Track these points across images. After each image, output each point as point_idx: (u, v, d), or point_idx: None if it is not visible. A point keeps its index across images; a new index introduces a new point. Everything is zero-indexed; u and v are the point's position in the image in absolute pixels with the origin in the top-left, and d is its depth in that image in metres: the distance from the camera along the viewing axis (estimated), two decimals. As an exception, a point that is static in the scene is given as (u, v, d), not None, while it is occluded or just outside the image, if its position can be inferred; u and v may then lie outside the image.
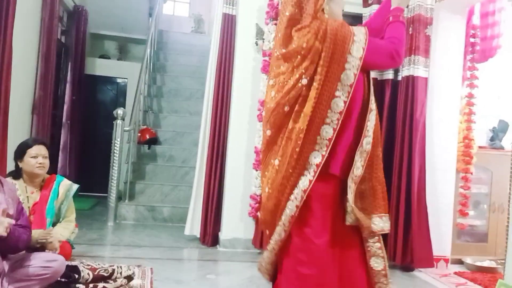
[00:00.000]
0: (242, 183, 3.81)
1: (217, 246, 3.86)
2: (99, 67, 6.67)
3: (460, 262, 3.72)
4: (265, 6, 3.77)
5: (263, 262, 1.95)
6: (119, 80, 6.78)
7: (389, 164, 3.60)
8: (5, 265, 2.16)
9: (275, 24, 3.72)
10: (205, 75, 4.15)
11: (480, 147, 3.90)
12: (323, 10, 1.81)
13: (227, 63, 3.92)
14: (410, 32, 3.54)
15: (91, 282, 2.46)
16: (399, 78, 3.65)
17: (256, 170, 3.72)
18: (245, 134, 3.85)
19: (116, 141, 4.63)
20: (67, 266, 2.38)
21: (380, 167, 1.82)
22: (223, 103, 3.92)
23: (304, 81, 1.73)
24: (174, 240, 4.07)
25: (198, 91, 6.23)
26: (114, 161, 4.63)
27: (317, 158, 1.72)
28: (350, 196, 1.74)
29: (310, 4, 1.78)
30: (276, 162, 1.79)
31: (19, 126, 4.13)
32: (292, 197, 1.76)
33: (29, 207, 2.66)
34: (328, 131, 1.72)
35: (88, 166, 6.17)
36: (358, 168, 1.75)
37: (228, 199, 3.84)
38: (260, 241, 3.66)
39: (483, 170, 3.90)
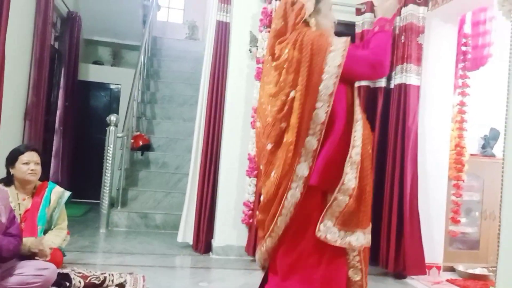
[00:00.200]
0: (236, 190, 3.81)
1: (210, 253, 3.85)
2: (93, 73, 6.66)
3: (452, 269, 3.73)
4: (259, 13, 3.79)
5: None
6: (112, 86, 6.77)
7: (382, 172, 3.62)
8: (-5, 274, 2.14)
9: (269, 32, 3.73)
10: (199, 81, 4.15)
11: (471, 154, 3.93)
12: (305, 22, 1.82)
13: (221, 70, 3.93)
14: (402, 41, 3.58)
15: (83, 289, 2.44)
16: (392, 86, 3.68)
17: (250, 177, 3.72)
18: (239, 141, 3.85)
19: (109, 148, 4.61)
20: (59, 274, 2.37)
21: (369, 180, 1.78)
22: (216, 110, 3.92)
23: (293, 93, 1.75)
24: (166, 247, 4.05)
25: (191, 98, 6.23)
26: (107, 167, 4.61)
27: (304, 170, 1.73)
28: (330, 210, 1.73)
29: (291, 17, 1.81)
30: (273, 174, 1.81)
31: (11, 132, 4.11)
32: (284, 211, 1.78)
33: (20, 214, 2.63)
34: (312, 143, 1.72)
35: (81, 172, 6.13)
36: (350, 180, 1.71)
37: (221, 206, 3.83)
38: (253, 248, 3.64)
39: (474, 177, 3.93)
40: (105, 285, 2.55)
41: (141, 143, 5.62)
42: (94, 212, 5.16)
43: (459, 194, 3.74)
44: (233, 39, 3.93)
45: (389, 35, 1.81)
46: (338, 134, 1.76)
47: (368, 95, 3.75)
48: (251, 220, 3.69)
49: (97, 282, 2.53)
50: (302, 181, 1.73)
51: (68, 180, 5.76)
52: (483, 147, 4.19)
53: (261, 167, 1.91)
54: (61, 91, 5.79)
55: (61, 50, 5.88)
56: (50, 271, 2.28)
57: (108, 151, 4.61)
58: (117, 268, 3.09)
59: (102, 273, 2.62)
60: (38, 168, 2.73)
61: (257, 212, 2.04)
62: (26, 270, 2.22)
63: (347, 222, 1.72)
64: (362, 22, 3.85)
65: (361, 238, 1.74)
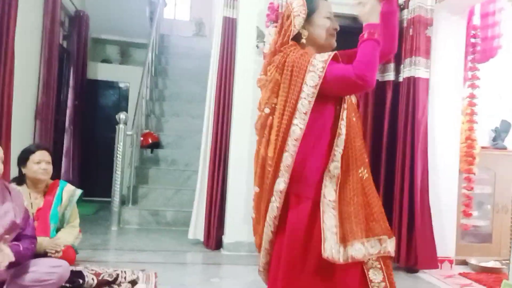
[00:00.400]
0: (245, 185, 3.81)
1: (221, 249, 3.87)
2: (101, 71, 6.69)
3: (464, 263, 3.71)
4: (266, 9, 3.77)
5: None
6: (121, 85, 6.80)
7: (392, 165, 3.60)
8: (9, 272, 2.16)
9: (276, 27, 3.72)
10: (207, 78, 4.16)
11: (482, 147, 3.90)
12: (297, 35, 1.85)
13: (228, 66, 3.93)
14: (411, 33, 3.55)
15: (96, 287, 2.48)
16: (400, 79, 3.65)
17: (259, 173, 3.72)
18: (247, 136, 3.85)
19: (118, 146, 4.64)
20: (72, 271, 2.39)
21: (359, 191, 1.74)
22: (224, 106, 3.93)
23: (267, 110, 1.81)
24: (177, 244, 4.07)
25: (199, 95, 6.22)
26: (117, 165, 4.65)
27: (280, 185, 1.76)
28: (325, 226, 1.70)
29: (282, 34, 1.85)
30: (256, 189, 1.87)
31: (23, 131, 4.16)
32: (266, 223, 1.82)
33: (33, 213, 2.66)
34: (287, 158, 1.75)
35: (91, 170, 6.19)
36: (329, 193, 1.72)
37: (231, 202, 3.84)
38: (263, 244, 3.66)
39: (486, 170, 3.89)
40: (117, 282, 2.57)
41: (150, 141, 5.65)
42: (105, 210, 5.20)
43: (471, 187, 3.71)
44: (240, 35, 3.92)
45: (376, 44, 1.73)
46: (306, 148, 1.77)
47: (376, 89, 3.72)
48: (261, 216, 3.70)
49: (109, 279, 2.55)
50: (278, 195, 1.77)
51: (79, 178, 5.81)
52: (494, 139, 4.15)
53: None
54: (70, 90, 5.84)
55: (70, 49, 5.92)
56: (63, 268, 2.30)
57: (118, 149, 4.64)
58: (129, 265, 3.12)
59: (115, 270, 2.64)
60: (50, 167, 2.76)
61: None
62: (39, 267, 2.24)
63: (359, 235, 1.71)
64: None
65: (361, 249, 1.70)
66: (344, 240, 1.69)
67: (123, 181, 4.73)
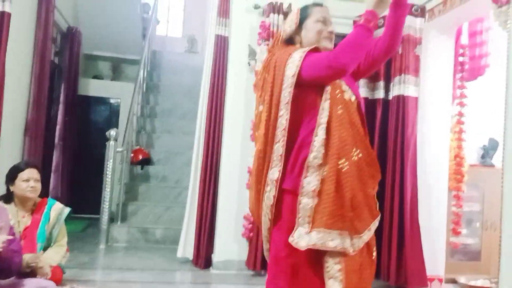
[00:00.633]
0: (236, 203, 3.80)
1: (210, 268, 3.83)
2: (93, 87, 6.68)
3: (454, 281, 3.70)
4: (257, 27, 3.81)
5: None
6: (112, 101, 6.79)
7: (382, 183, 3.58)
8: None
9: (267, 45, 3.77)
10: (198, 94, 4.17)
11: (471, 165, 3.92)
12: (289, 40, 1.95)
13: (220, 83, 3.95)
14: (400, 52, 3.59)
15: (82, 307, 2.43)
16: (390, 97, 3.69)
17: (249, 190, 3.71)
18: (238, 154, 3.86)
19: (108, 162, 4.61)
20: (58, 291, 2.35)
21: (333, 181, 1.74)
22: (216, 123, 3.93)
23: (261, 107, 1.92)
24: (166, 262, 4.03)
25: (191, 111, 6.23)
26: (107, 182, 4.61)
27: (274, 174, 1.82)
28: (300, 215, 1.75)
29: (274, 40, 2.01)
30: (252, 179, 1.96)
31: (12, 148, 4.12)
32: (263, 212, 1.88)
33: (20, 232, 2.62)
34: (279, 149, 1.82)
35: (81, 187, 6.12)
36: (309, 182, 1.75)
37: (221, 220, 3.82)
38: (253, 262, 3.63)
39: (474, 188, 3.92)
40: (105, 302, 2.53)
41: (141, 157, 5.62)
42: (94, 227, 5.14)
43: (460, 205, 3.73)
44: (231, 53, 3.95)
45: (365, 32, 1.76)
46: (299, 140, 1.84)
47: (366, 106, 3.72)
48: (251, 234, 3.68)
49: (97, 299, 2.52)
50: (273, 184, 1.82)
51: (68, 195, 5.75)
52: (483, 157, 4.18)
53: None
54: (61, 106, 5.81)
55: (61, 65, 5.91)
56: (50, 289, 2.27)
57: (108, 165, 4.61)
58: (117, 284, 3.09)
59: (102, 290, 2.61)
60: (38, 185, 2.73)
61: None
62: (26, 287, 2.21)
63: (318, 224, 1.72)
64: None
65: (337, 241, 1.71)
66: (317, 226, 1.72)
67: (112, 198, 4.69)
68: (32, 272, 2.46)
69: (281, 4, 3.79)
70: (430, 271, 3.46)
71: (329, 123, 1.79)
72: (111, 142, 4.61)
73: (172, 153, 5.92)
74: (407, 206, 3.42)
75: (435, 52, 3.75)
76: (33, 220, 2.72)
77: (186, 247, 3.92)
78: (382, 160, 3.65)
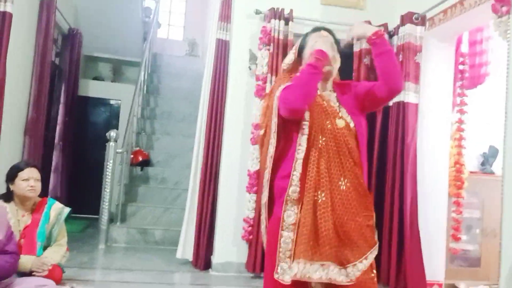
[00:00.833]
0: (235, 206, 3.81)
1: (210, 270, 3.83)
2: (93, 88, 6.69)
3: (453, 287, 3.71)
4: (258, 32, 3.83)
5: None
6: (112, 102, 6.80)
7: (381, 189, 3.63)
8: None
9: (268, 50, 3.79)
10: (199, 97, 4.18)
11: (471, 172, 3.94)
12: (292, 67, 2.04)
13: (220, 87, 3.96)
14: (400, 59, 3.62)
15: (82, 307, 2.43)
16: (390, 104, 3.70)
17: (249, 193, 3.72)
18: (238, 157, 3.87)
19: (108, 163, 4.61)
20: (58, 291, 2.35)
21: (310, 213, 1.76)
22: (216, 126, 3.94)
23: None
24: (166, 263, 4.02)
25: (191, 114, 6.26)
26: (106, 183, 4.61)
27: (263, 199, 1.93)
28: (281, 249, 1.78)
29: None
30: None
31: (11, 147, 4.12)
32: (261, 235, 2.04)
33: (19, 231, 2.63)
34: (266, 174, 1.91)
35: (80, 187, 6.12)
36: (289, 216, 1.78)
37: (220, 222, 3.82)
38: (253, 264, 3.63)
39: (474, 194, 3.93)
40: (104, 302, 2.53)
41: (140, 159, 5.62)
42: (93, 228, 5.14)
43: (459, 212, 3.74)
44: (232, 57, 3.97)
45: (310, 70, 1.81)
46: (282, 169, 1.89)
47: (367, 113, 3.76)
48: (251, 237, 3.68)
49: (96, 300, 2.52)
50: (264, 208, 1.93)
51: (67, 195, 5.75)
52: (482, 164, 4.21)
53: None
54: (61, 107, 5.82)
55: (62, 66, 5.92)
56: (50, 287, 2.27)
57: (108, 166, 4.61)
58: (116, 285, 3.08)
59: (101, 291, 2.61)
60: (38, 185, 2.73)
61: None
62: (25, 286, 2.20)
63: (298, 255, 1.74)
64: (360, 41, 3.90)
65: (320, 273, 1.73)
66: (313, 258, 1.74)
67: (111, 199, 4.68)
68: (30, 271, 2.47)
69: (282, 9, 3.81)
70: (430, 277, 3.47)
71: (307, 156, 1.83)
72: (111, 143, 4.61)
73: (172, 155, 5.92)
74: (407, 212, 3.43)
75: (436, 60, 3.77)
76: (33, 219, 2.72)
77: (186, 248, 3.92)
78: (382, 166, 3.67)
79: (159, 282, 3.46)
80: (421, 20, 3.64)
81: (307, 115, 1.85)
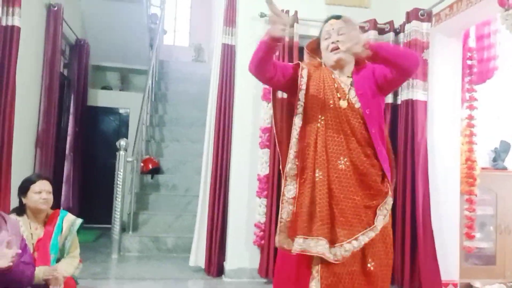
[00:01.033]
0: (246, 211, 3.80)
1: (223, 276, 3.82)
2: (102, 98, 6.74)
3: (469, 286, 3.67)
4: (263, 35, 3.81)
5: None
6: (121, 111, 6.84)
7: (393, 188, 3.59)
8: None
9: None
10: (206, 103, 4.19)
11: (482, 168, 3.89)
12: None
13: (227, 91, 3.96)
14: (408, 57, 3.58)
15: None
16: (399, 102, 3.68)
17: (260, 198, 3.71)
18: (248, 161, 3.86)
19: (119, 172, 4.64)
20: (72, 302, 2.36)
21: (307, 190, 1.88)
22: (224, 131, 3.94)
23: None
24: (179, 271, 4.03)
25: (199, 119, 6.26)
26: (118, 192, 4.63)
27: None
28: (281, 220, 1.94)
29: None
30: None
31: (23, 160, 4.16)
32: None
33: (33, 244, 2.64)
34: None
35: (92, 197, 6.16)
36: (289, 190, 1.95)
37: (232, 228, 3.82)
38: (266, 270, 3.62)
39: (487, 191, 3.88)
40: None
41: (150, 166, 5.64)
42: (106, 237, 5.16)
43: (472, 209, 3.69)
44: (238, 61, 3.97)
45: (259, 45, 1.92)
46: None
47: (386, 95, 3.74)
48: (263, 242, 3.67)
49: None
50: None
51: (79, 205, 5.79)
52: (494, 160, 4.15)
53: None
54: (71, 117, 5.87)
55: (70, 76, 5.97)
56: (64, 300, 2.28)
57: (119, 175, 4.64)
58: (130, 294, 3.08)
59: (115, 300, 2.61)
60: (50, 197, 2.75)
61: None
62: (40, 300, 2.21)
63: (299, 232, 1.85)
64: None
65: (319, 248, 1.80)
66: (293, 234, 1.88)
67: (123, 208, 4.71)
68: (45, 283, 2.47)
69: (287, 11, 3.80)
70: (444, 276, 3.43)
71: (303, 135, 1.96)
72: (121, 152, 4.64)
73: (181, 161, 5.93)
74: (419, 211, 3.40)
75: (443, 56, 3.74)
76: (45, 232, 2.73)
77: (198, 255, 3.92)
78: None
79: (173, 290, 3.46)
80: (427, 16, 3.61)
81: (301, 95, 1.98)
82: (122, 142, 4.65)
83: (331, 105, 1.93)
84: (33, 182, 2.71)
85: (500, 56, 3.75)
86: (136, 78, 7.22)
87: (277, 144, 2.12)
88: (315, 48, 2.13)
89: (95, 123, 6.69)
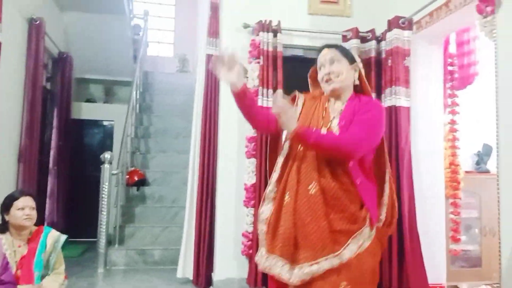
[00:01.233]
0: (234, 221, 3.78)
1: (211, 287, 3.79)
2: (85, 111, 6.68)
3: (456, 289, 3.70)
4: (247, 45, 3.84)
5: None
6: (105, 123, 6.79)
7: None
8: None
9: (258, 63, 3.79)
10: (192, 113, 4.18)
11: (466, 172, 3.95)
12: None
13: (212, 101, 3.96)
14: (389, 64, 3.64)
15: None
16: (382, 108, 3.71)
17: (247, 207, 3.70)
18: (234, 171, 3.85)
19: (104, 185, 4.58)
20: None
21: (280, 214, 1.94)
22: (210, 141, 3.93)
23: None
24: (166, 284, 3.99)
25: (184, 130, 6.25)
26: (103, 205, 4.57)
27: None
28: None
29: None
30: None
31: (5, 175, 4.10)
32: None
33: (16, 262, 2.59)
34: None
35: (77, 211, 6.07)
36: (263, 212, 2.04)
37: (220, 238, 3.80)
38: (254, 279, 3.60)
39: (471, 194, 3.93)
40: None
41: (136, 179, 5.59)
42: (92, 251, 5.09)
43: (457, 212, 3.74)
44: (223, 72, 3.96)
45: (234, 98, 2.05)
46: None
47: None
48: (251, 251, 3.66)
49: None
50: None
51: (64, 219, 5.70)
52: (477, 163, 4.21)
53: None
54: (54, 131, 5.80)
55: (53, 90, 5.91)
56: (49, 317, 2.23)
57: (104, 188, 4.58)
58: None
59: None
60: (34, 213, 2.71)
61: None
62: (24, 318, 2.17)
63: (269, 249, 1.93)
64: (350, 48, 3.92)
65: (279, 269, 1.86)
66: (269, 251, 1.93)
67: (109, 221, 4.65)
68: (30, 302, 2.43)
69: (270, 21, 3.83)
70: (432, 280, 3.45)
71: (287, 160, 2.03)
72: (106, 165, 4.59)
73: (168, 172, 5.90)
74: (405, 216, 3.42)
75: (425, 63, 3.80)
76: (29, 249, 2.69)
77: (186, 267, 3.89)
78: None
79: (161, 303, 3.42)
80: (408, 24, 3.66)
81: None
82: (106, 155, 4.60)
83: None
84: (16, 198, 2.67)
85: (480, 62, 3.83)
86: (120, 90, 7.18)
87: (268, 172, 2.19)
88: (316, 77, 2.13)
89: (79, 136, 6.62)
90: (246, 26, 3.90)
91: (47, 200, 5.56)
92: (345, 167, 1.91)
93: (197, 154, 3.96)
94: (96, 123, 6.76)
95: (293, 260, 1.85)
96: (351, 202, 1.90)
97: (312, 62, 2.17)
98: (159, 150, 6.36)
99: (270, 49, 3.79)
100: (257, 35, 3.80)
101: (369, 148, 1.94)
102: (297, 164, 1.96)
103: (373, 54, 3.81)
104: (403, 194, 3.45)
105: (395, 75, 3.59)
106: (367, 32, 3.90)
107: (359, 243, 1.86)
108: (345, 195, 1.89)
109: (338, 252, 1.83)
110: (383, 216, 2.02)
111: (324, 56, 2.03)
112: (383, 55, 3.75)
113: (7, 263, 2.25)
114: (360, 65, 2.11)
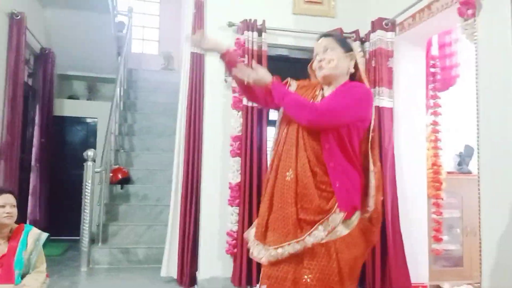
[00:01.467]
0: (218, 219, 3.78)
1: (195, 286, 3.78)
2: (68, 108, 6.59)
3: None
4: (232, 44, 3.83)
5: None
6: (89, 120, 6.71)
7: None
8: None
9: (243, 61, 3.78)
10: (176, 111, 4.15)
11: (448, 172, 4.01)
12: None
13: (197, 100, 3.94)
14: (373, 65, 3.68)
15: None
16: (366, 109, 3.74)
17: (232, 206, 3.70)
18: (219, 170, 3.85)
19: (87, 183, 4.53)
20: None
21: (268, 194, 2.03)
22: (195, 140, 3.91)
23: None
24: (150, 282, 3.96)
25: (169, 128, 6.19)
26: (86, 203, 4.52)
27: None
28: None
29: None
30: None
31: (-15, 173, 4.03)
32: None
33: (-4, 260, 2.55)
34: None
35: (59, 209, 6.00)
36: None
37: (204, 237, 3.79)
38: (239, 278, 3.60)
39: (453, 194, 4.00)
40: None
41: (120, 177, 5.54)
42: (74, 250, 5.03)
43: (439, 212, 3.79)
44: (208, 70, 3.96)
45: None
46: None
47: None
48: (235, 250, 3.66)
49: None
50: None
51: (46, 217, 5.63)
52: (459, 164, 4.28)
53: None
54: (36, 128, 5.72)
55: (35, 86, 5.83)
56: (29, 317, 2.20)
57: (87, 186, 4.53)
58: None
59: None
60: (14, 211, 2.67)
61: None
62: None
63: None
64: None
65: (262, 253, 1.96)
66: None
67: (92, 219, 4.59)
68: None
69: (255, 20, 3.83)
70: (414, 279, 3.50)
71: (276, 145, 2.09)
72: (89, 163, 4.53)
73: (152, 171, 5.85)
74: (388, 216, 3.46)
75: (408, 64, 3.84)
76: (9, 247, 2.65)
77: (170, 266, 3.87)
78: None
79: (144, 302, 3.40)
80: (391, 26, 3.70)
81: (281, 110, 2.12)
82: (89, 153, 4.54)
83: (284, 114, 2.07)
84: (-4, 196, 2.62)
85: (462, 64, 3.88)
86: (104, 87, 7.09)
87: None
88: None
89: (61, 134, 6.53)
90: (231, 24, 3.89)
91: (29, 198, 5.49)
92: (321, 153, 1.90)
93: (182, 153, 3.94)
94: (79, 120, 6.68)
95: (264, 241, 1.97)
96: (319, 197, 1.87)
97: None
98: (143, 148, 6.31)
99: (255, 48, 3.80)
100: (242, 33, 3.80)
101: (340, 121, 1.88)
102: (279, 151, 2.03)
103: (357, 54, 3.84)
104: (386, 193, 3.48)
105: (378, 76, 3.63)
106: (351, 33, 3.93)
107: (328, 229, 1.84)
108: (316, 188, 1.88)
109: (301, 238, 1.86)
110: (370, 208, 1.96)
111: (319, 45, 2.06)
112: (367, 56, 3.78)
113: (-13, 262, 2.21)
114: (359, 55, 2.09)
